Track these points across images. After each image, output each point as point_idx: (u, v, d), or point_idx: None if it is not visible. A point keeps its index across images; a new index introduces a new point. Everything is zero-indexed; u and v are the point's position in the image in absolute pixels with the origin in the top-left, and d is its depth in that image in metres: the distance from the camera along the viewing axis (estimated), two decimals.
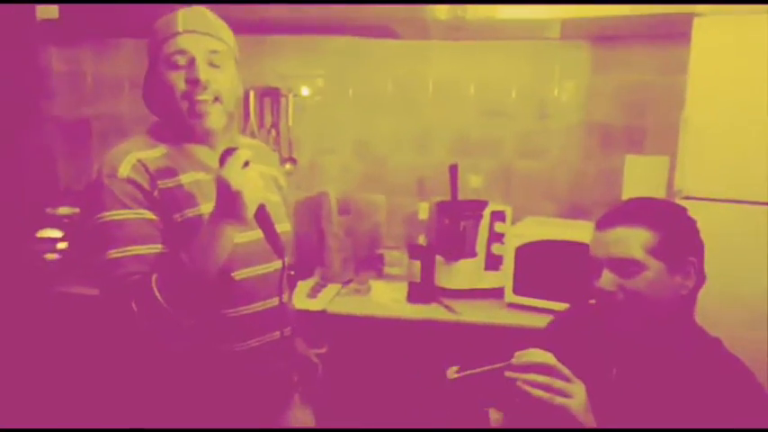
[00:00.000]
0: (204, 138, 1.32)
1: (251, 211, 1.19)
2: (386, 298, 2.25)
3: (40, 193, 2.47)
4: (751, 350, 1.61)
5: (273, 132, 2.57)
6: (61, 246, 2.34)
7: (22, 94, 2.59)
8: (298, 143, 2.59)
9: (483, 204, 2.35)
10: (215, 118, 1.30)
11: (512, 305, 2.18)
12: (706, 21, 1.71)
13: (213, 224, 1.20)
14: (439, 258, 2.29)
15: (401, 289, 2.28)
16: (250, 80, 2.45)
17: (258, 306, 1.34)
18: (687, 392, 1.08)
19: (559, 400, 1.03)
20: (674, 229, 1.15)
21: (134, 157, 1.25)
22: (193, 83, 1.27)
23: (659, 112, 2.34)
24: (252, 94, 2.51)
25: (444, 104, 2.56)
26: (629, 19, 2.12)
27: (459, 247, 2.29)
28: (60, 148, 2.75)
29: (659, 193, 2.01)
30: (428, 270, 2.24)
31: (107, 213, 1.21)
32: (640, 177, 2.07)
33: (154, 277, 1.17)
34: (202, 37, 1.29)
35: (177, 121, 1.30)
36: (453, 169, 2.35)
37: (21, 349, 2.20)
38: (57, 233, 2.33)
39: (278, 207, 1.41)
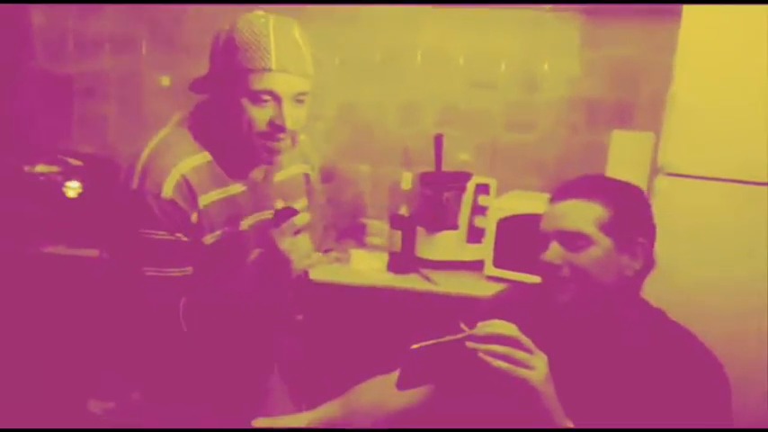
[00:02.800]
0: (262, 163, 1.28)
1: (293, 275, 1.21)
2: (365, 267, 2.24)
3: (17, 151, 2.42)
4: (726, 330, 1.63)
5: None
6: (39, 204, 2.30)
7: (1, 49, 2.53)
8: None
9: (467, 176, 2.33)
10: (284, 153, 1.26)
11: (491, 277, 2.18)
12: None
13: (255, 279, 1.22)
14: (420, 229, 2.28)
15: (382, 258, 2.26)
16: None
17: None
18: (635, 364, 1.08)
19: (521, 371, 1.02)
20: (628, 207, 1.13)
21: (178, 172, 1.19)
22: (276, 128, 1.19)
23: (649, 89, 2.31)
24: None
25: (433, 74, 2.52)
26: None
27: (440, 219, 2.28)
28: (40, 105, 2.69)
29: (644, 169, 1.99)
30: (409, 240, 2.22)
31: (148, 231, 1.19)
32: (625, 153, 2.05)
33: (183, 301, 1.21)
34: (294, 78, 1.18)
35: (243, 147, 1.23)
36: (438, 140, 2.32)
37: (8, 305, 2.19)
38: (35, 191, 2.29)
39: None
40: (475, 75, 2.49)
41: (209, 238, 1.24)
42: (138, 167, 1.19)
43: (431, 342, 1.04)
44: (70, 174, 2.35)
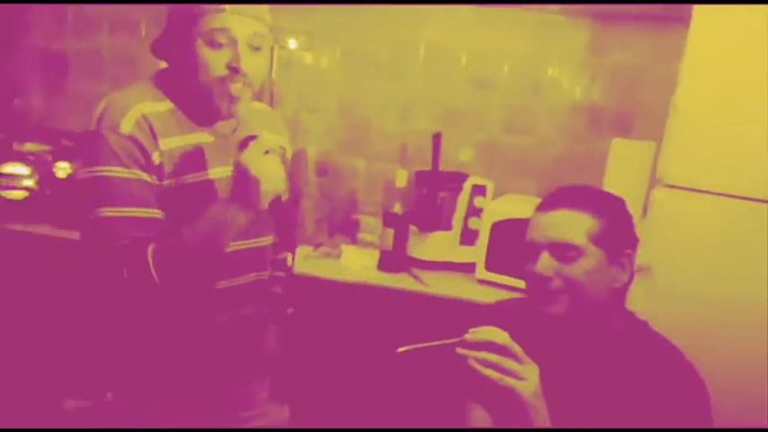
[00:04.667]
0: (224, 115, 1.25)
1: (267, 199, 1.16)
2: (356, 264, 2.21)
3: (8, 128, 2.38)
4: (723, 344, 1.60)
5: None
6: (27, 183, 2.26)
7: None
8: (280, 98, 2.51)
9: (464, 177, 2.30)
10: (244, 102, 1.24)
11: (482, 281, 2.14)
12: (706, 7, 1.63)
13: (225, 208, 1.16)
14: (413, 228, 2.24)
15: (373, 256, 2.23)
16: None
17: (245, 279, 1.33)
18: (621, 375, 1.07)
19: (508, 381, 1.00)
20: (616, 218, 1.14)
21: (138, 111, 1.18)
22: (233, 70, 1.19)
23: (652, 98, 2.28)
24: (271, 44, 2.42)
25: (434, 72, 2.48)
26: None
27: (434, 219, 2.24)
28: (35, 82, 2.65)
29: (643, 178, 1.96)
30: (401, 239, 2.19)
31: (104, 168, 1.15)
32: (625, 161, 2.01)
33: (150, 248, 1.13)
34: (248, 19, 1.20)
35: (201, 96, 1.22)
36: (436, 138, 2.29)
37: None
38: (23, 169, 2.24)
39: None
40: (477, 75, 2.46)
41: (173, 182, 1.20)
42: (97, 111, 1.19)
43: (419, 345, 1.02)
44: (61, 154, 2.31)
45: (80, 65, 2.63)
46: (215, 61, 1.19)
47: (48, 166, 2.28)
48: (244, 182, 1.13)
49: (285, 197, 1.27)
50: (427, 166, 2.33)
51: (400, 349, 1.00)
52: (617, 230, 1.12)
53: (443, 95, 2.49)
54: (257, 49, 1.22)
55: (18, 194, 2.25)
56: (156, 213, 1.19)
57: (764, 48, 1.60)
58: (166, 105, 1.23)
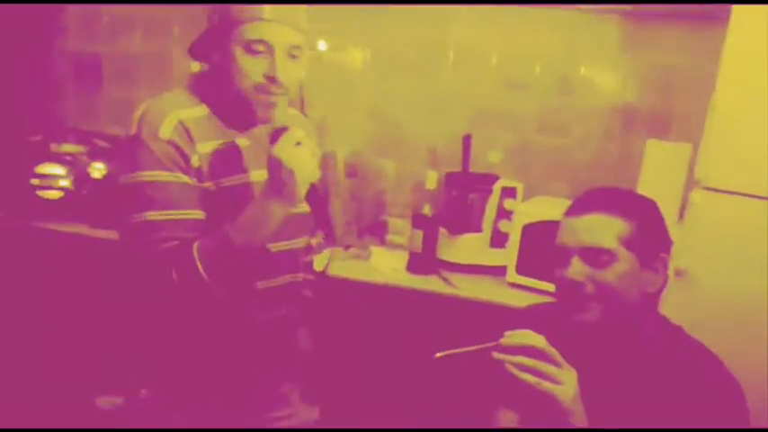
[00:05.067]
0: (260, 120, 1.26)
1: (302, 191, 1.17)
2: (385, 265, 2.20)
3: (45, 129, 2.43)
4: (760, 347, 1.56)
5: None
6: (63, 183, 2.30)
7: (34, 26, 2.54)
8: (310, 100, 2.51)
9: (494, 179, 2.28)
10: (280, 110, 1.25)
11: (513, 284, 2.12)
12: (746, 6, 1.59)
13: (264, 201, 1.17)
14: (443, 230, 2.23)
15: (402, 258, 2.22)
16: None
17: (281, 281, 1.34)
18: (657, 382, 1.05)
19: (546, 385, 0.98)
20: (648, 221, 1.11)
21: (175, 117, 1.20)
22: (270, 79, 1.20)
23: (689, 98, 2.23)
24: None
25: (464, 73, 2.47)
26: None
27: (464, 221, 2.23)
28: (70, 85, 2.71)
29: (679, 181, 1.92)
30: (430, 241, 2.18)
31: (147, 173, 1.17)
32: (660, 163, 1.97)
33: (195, 245, 1.15)
34: (286, 28, 1.20)
35: (238, 101, 1.23)
36: (467, 140, 2.27)
37: (15, 289, 2.19)
38: (59, 170, 2.29)
39: None
40: (508, 75, 2.43)
41: (213, 185, 1.22)
42: (136, 118, 1.21)
43: (457, 350, 1.01)
44: (96, 154, 2.35)
45: (113, 68, 2.68)
46: (252, 69, 1.20)
47: (83, 166, 2.32)
48: (278, 173, 1.14)
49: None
50: (457, 168, 2.31)
51: (438, 354, 0.99)
52: (649, 234, 1.10)
53: (474, 96, 2.47)
54: (294, 57, 1.22)
55: (55, 194, 2.30)
56: (200, 215, 1.20)
57: None
58: (203, 110, 1.24)
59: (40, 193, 2.27)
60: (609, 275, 1.07)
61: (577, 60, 2.37)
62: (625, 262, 1.07)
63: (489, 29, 2.42)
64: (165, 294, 1.18)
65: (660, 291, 1.12)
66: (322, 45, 2.51)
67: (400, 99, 2.53)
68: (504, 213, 2.26)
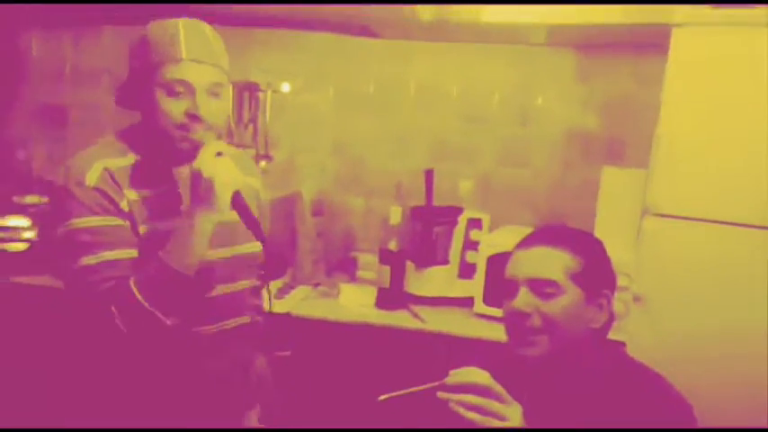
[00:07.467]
0: (187, 160, 1.26)
1: (225, 197, 1.18)
2: (354, 302, 2.21)
3: (9, 180, 2.42)
4: (717, 376, 1.58)
5: (251, 128, 2.52)
6: (27, 235, 2.29)
7: None
8: (275, 140, 2.54)
9: (458, 211, 2.31)
10: (209, 145, 1.23)
11: (480, 315, 2.13)
12: (684, 31, 1.65)
13: (189, 217, 1.19)
14: (410, 264, 2.24)
15: (371, 293, 2.23)
16: (231, 74, 2.41)
17: (229, 288, 1.34)
18: (603, 416, 1.05)
19: (494, 423, 0.98)
20: (594, 258, 1.14)
21: (101, 165, 1.21)
22: (192, 117, 1.22)
23: (641, 124, 2.28)
24: (230, 88, 2.46)
25: (426, 107, 2.52)
26: (614, 27, 2.06)
27: (430, 254, 2.24)
28: (35, 134, 2.71)
29: (635, 206, 1.94)
30: (398, 276, 2.19)
31: (77, 220, 1.18)
32: (616, 190, 2.01)
33: (132, 279, 1.16)
34: (206, 68, 1.23)
35: (164, 142, 1.24)
36: (429, 174, 2.30)
37: None
38: (22, 222, 2.28)
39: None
40: (468, 108, 2.48)
41: (147, 227, 1.22)
42: (62, 170, 1.23)
43: (401, 392, 1.01)
44: None
45: (79, 116, 2.69)
46: (174, 109, 1.21)
47: (47, 217, 2.31)
48: (199, 183, 1.16)
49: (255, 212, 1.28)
50: (423, 202, 2.34)
51: (381, 397, 0.99)
52: (595, 270, 1.12)
53: (435, 130, 2.51)
54: (216, 95, 1.24)
55: (19, 246, 2.28)
56: (134, 253, 1.21)
57: (744, 71, 1.61)
58: (129, 160, 1.26)
59: (4, 245, 2.25)
60: (555, 308, 1.09)
61: (534, 92, 2.43)
62: (571, 295, 1.09)
63: (447, 64, 2.48)
64: (114, 335, 1.17)
65: (606, 328, 1.14)
66: (285, 87, 2.54)
67: (364, 136, 2.56)
68: (471, 245, 2.28)
